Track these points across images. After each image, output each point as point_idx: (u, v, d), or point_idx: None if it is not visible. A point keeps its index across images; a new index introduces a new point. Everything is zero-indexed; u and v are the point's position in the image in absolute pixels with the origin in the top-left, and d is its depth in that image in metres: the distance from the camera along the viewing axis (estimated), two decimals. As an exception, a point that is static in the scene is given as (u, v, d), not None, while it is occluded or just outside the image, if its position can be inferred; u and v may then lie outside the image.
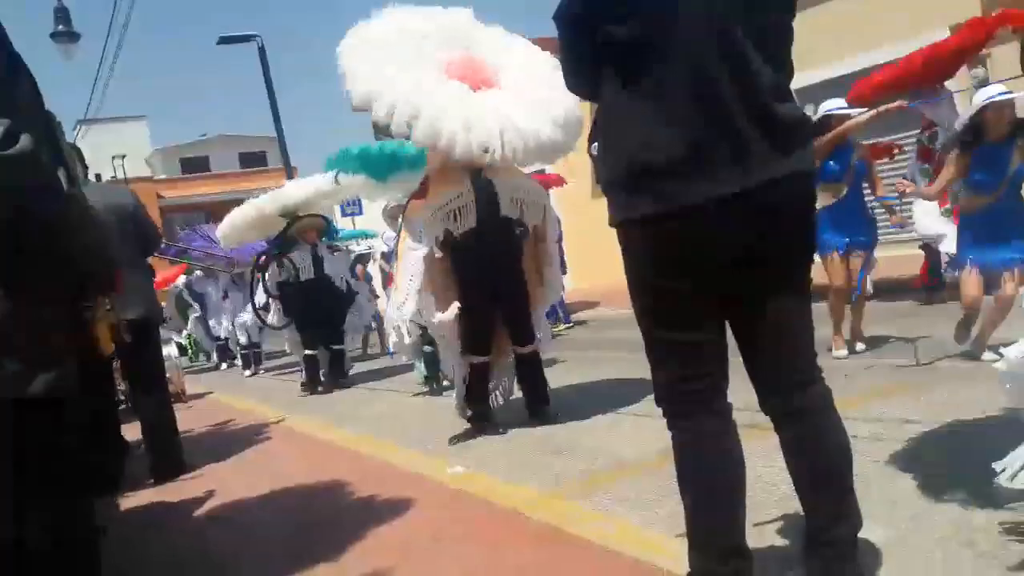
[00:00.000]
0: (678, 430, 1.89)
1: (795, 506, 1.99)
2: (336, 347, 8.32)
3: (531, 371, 4.90)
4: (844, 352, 5.38)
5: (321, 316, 8.11)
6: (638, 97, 1.73)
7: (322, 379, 8.22)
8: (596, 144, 1.91)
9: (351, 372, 8.78)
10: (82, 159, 4.28)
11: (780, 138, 1.71)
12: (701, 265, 1.76)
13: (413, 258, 4.55)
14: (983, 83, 10.23)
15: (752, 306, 1.83)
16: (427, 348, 6.40)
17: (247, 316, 10.60)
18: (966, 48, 6.64)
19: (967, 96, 10.17)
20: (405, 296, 4.55)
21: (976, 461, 2.41)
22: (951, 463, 2.90)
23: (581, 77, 1.92)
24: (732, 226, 1.71)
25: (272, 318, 8.71)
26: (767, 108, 1.69)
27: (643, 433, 3.90)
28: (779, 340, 1.84)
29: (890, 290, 8.10)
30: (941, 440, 3.25)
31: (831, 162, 5.41)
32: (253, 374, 11.51)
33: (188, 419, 6.77)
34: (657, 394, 1.93)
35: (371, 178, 5.94)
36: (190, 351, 15.74)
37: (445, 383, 6.46)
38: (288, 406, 7.32)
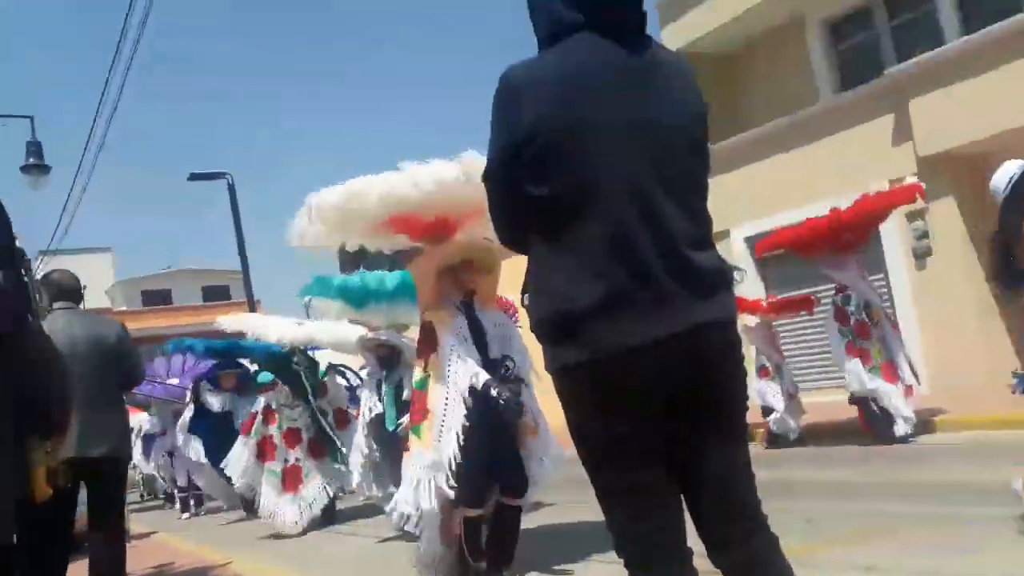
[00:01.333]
0: None
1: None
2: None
3: (510, 525, 4.45)
4: None
5: None
6: (560, 251, 1.80)
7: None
8: (526, 296, 1.97)
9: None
10: (46, 292, 4.23)
11: (700, 286, 1.77)
12: (632, 410, 1.77)
13: (450, 401, 4.19)
14: (923, 235, 10.85)
15: (691, 454, 1.83)
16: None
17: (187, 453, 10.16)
18: (863, 219, 7.46)
19: (904, 241, 10.74)
20: (439, 448, 4.16)
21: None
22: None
23: (509, 232, 2.00)
24: (660, 371, 1.74)
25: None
26: (685, 258, 1.76)
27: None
28: (720, 489, 1.83)
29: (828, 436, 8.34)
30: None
31: None
32: (191, 516, 10.95)
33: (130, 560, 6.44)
34: (614, 542, 1.89)
35: (348, 305, 5.93)
36: (142, 489, 15.16)
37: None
38: (233, 547, 6.99)
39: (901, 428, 7.33)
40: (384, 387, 6.20)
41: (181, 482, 10.99)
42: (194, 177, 17.02)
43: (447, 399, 4.20)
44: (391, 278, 6.17)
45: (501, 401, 4.07)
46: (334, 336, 7.55)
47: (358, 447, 6.30)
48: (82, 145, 16.65)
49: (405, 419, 5.61)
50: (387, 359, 6.30)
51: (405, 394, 5.86)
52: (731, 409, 1.88)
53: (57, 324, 4.27)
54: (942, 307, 10.51)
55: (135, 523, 9.61)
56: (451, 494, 4.14)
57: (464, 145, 4.32)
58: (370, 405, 6.25)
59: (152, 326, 36.41)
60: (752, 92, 13.64)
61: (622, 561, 1.88)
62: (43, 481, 3.02)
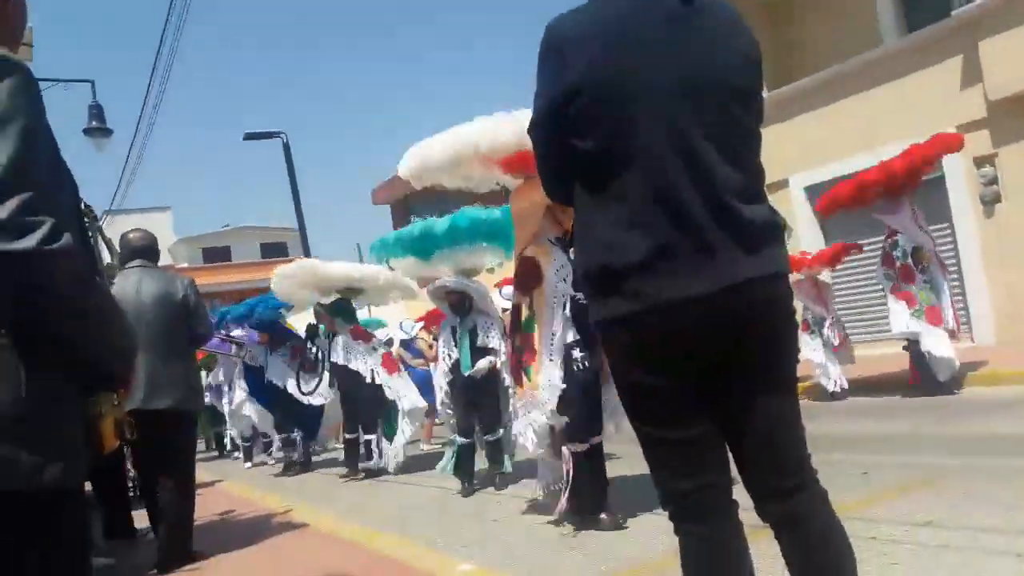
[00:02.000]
0: (682, 534, 1.86)
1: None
2: (369, 436, 8.15)
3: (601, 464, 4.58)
4: None
5: (353, 403, 8.07)
6: (604, 203, 1.78)
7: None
8: (572, 249, 1.97)
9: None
10: (111, 248, 4.36)
11: (747, 239, 1.73)
12: (678, 364, 1.76)
13: (555, 338, 4.40)
14: (992, 181, 10.44)
15: (736, 408, 1.81)
16: (461, 440, 6.32)
17: (250, 406, 10.46)
18: (913, 168, 7.50)
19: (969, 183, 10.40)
20: (548, 389, 4.37)
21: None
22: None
23: (555, 185, 1.99)
24: (704, 326, 1.72)
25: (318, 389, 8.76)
26: (732, 210, 1.72)
27: (652, 534, 3.82)
28: (766, 444, 1.82)
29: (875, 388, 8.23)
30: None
31: None
32: (254, 465, 11.31)
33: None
34: (660, 495, 1.90)
35: (418, 259, 6.08)
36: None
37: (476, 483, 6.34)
38: (295, 497, 7.22)
39: (944, 373, 7.38)
40: (459, 332, 6.42)
41: (246, 432, 11.33)
42: (249, 137, 17.21)
43: (552, 339, 4.41)
44: (441, 224, 6.26)
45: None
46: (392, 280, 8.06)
47: (440, 388, 6.61)
48: (139, 107, 16.94)
49: (482, 362, 6.25)
50: (458, 306, 6.46)
51: (479, 339, 6.33)
52: (778, 363, 1.85)
53: (129, 281, 4.59)
54: (1011, 257, 10.15)
55: (201, 472, 9.96)
56: (560, 430, 4.50)
57: (524, 97, 4.40)
58: (447, 351, 6.49)
59: (213, 282, 37.44)
60: (810, 36, 13.15)
61: (667, 513, 1.90)
62: (112, 432, 3.15)
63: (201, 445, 15.56)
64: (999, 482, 4.05)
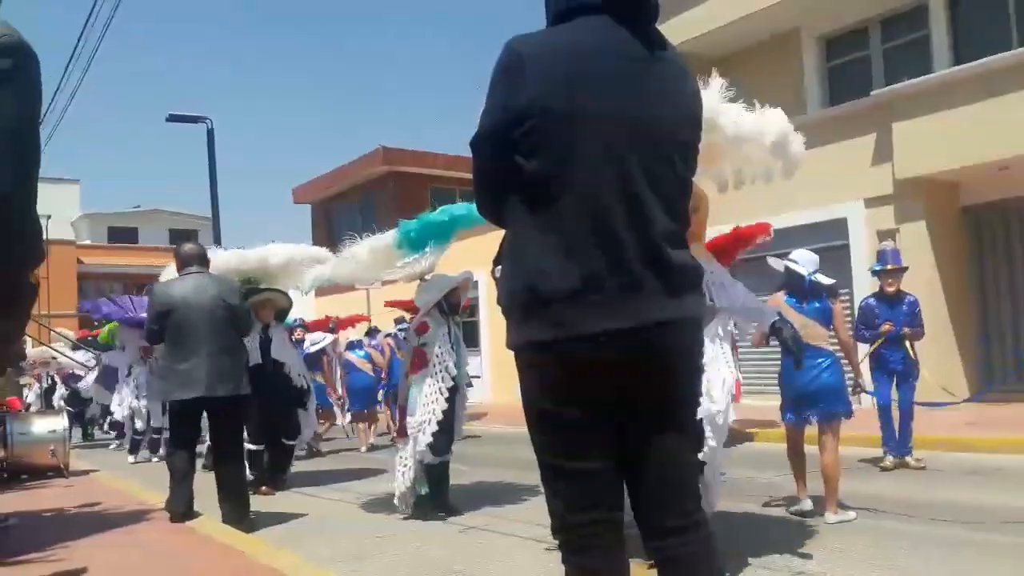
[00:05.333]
0: (569, 565, 1.86)
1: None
2: (288, 442, 7.55)
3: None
4: None
5: (269, 407, 7.15)
6: (539, 227, 1.79)
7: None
8: (500, 268, 1.97)
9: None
10: None
11: (671, 282, 1.78)
12: (589, 395, 1.78)
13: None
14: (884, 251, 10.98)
15: (637, 444, 1.84)
16: (439, 459, 5.75)
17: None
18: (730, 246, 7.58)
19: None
20: None
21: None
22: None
23: (488, 201, 1.98)
24: (620, 360, 1.75)
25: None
26: (662, 253, 1.77)
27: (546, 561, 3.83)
28: (662, 482, 1.85)
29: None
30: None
31: None
32: (137, 462, 10.71)
33: (64, 496, 6.37)
34: (552, 524, 1.90)
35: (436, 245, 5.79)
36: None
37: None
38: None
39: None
40: (452, 337, 5.91)
41: (155, 423, 10.49)
42: (173, 118, 16.70)
43: None
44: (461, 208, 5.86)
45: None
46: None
47: (434, 403, 5.81)
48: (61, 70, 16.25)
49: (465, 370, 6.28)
50: (456, 306, 6.04)
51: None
52: (682, 404, 1.89)
53: (188, 284, 5.35)
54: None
55: (75, 459, 9.46)
56: None
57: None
58: (444, 359, 5.89)
59: (117, 263, 35.91)
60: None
61: (557, 543, 1.89)
62: None
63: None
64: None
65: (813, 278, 5.08)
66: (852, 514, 4.90)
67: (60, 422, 8.43)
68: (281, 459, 7.59)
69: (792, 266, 5.17)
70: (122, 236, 38.83)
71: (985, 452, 7.34)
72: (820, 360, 4.91)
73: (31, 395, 18.61)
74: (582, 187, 1.76)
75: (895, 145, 10.74)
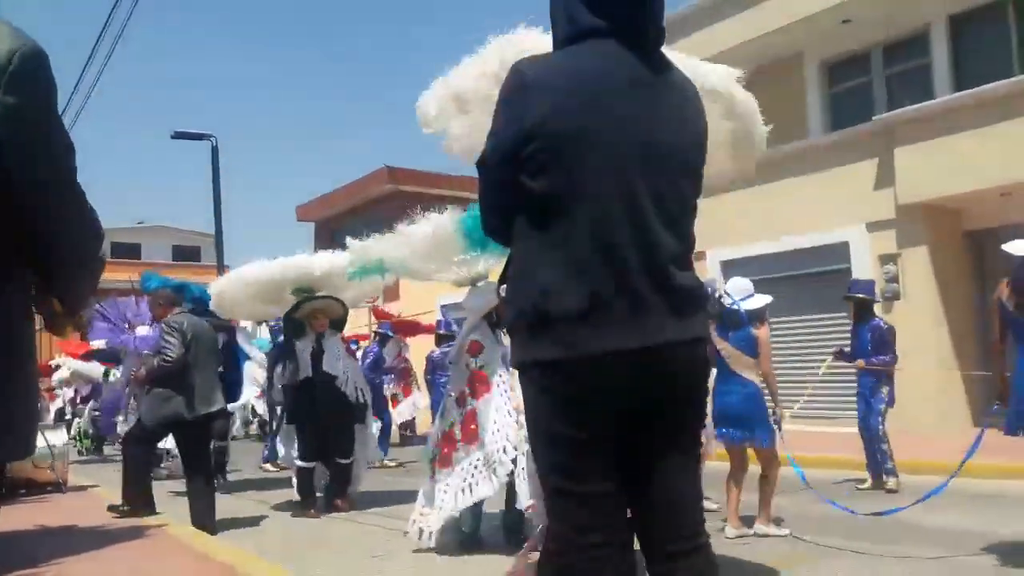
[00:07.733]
0: None
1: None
2: (343, 461, 7.04)
3: None
4: None
5: (323, 422, 6.94)
6: (546, 246, 1.80)
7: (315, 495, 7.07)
8: (505, 287, 1.97)
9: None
10: None
11: (678, 304, 1.79)
12: (598, 416, 1.77)
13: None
14: (894, 278, 11.02)
15: (643, 466, 1.84)
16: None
17: None
18: None
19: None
20: None
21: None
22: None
23: (495, 220, 1.99)
24: (628, 381, 1.75)
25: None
26: (668, 275, 1.78)
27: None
28: (667, 504, 1.84)
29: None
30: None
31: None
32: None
33: (60, 512, 6.33)
34: (551, 547, 1.87)
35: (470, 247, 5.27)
36: (79, 441, 14.90)
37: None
38: (170, 508, 6.90)
39: None
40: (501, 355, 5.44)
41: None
42: (178, 136, 16.79)
43: None
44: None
45: None
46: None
47: (510, 437, 5.41)
48: (70, 86, 16.35)
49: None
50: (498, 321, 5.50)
51: None
52: (689, 425, 1.90)
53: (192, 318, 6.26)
54: (905, 352, 10.66)
55: (76, 475, 9.43)
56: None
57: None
58: (503, 383, 5.45)
59: (119, 278, 35.89)
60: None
61: (553, 568, 1.86)
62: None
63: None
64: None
65: (735, 307, 5.19)
66: (785, 531, 5.18)
67: (59, 436, 8.43)
68: (337, 479, 7.10)
69: (719, 294, 5.31)
70: (125, 252, 38.84)
71: (984, 478, 7.28)
72: (740, 387, 5.08)
73: (52, 406, 18.47)
74: (589, 207, 1.77)
75: (897, 170, 10.77)
